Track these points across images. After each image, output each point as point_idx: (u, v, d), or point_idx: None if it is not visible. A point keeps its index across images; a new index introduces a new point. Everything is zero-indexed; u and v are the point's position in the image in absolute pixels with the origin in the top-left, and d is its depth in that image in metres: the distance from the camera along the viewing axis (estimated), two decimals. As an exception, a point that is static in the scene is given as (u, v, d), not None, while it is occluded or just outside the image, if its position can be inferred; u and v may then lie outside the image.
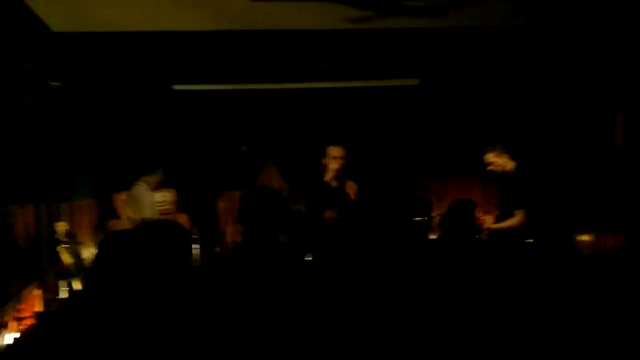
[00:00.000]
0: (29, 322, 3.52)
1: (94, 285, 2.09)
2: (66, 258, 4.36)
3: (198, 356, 2.07)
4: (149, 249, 2.18)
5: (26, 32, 4.22)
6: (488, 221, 4.56)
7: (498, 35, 5.17)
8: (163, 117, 5.75)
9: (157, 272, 2.15)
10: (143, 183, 4.87)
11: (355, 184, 4.49)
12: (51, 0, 3.97)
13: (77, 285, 4.15)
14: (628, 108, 4.63)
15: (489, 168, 4.72)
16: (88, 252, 4.63)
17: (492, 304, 2.75)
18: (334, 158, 4.38)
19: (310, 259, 4.00)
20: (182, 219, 5.32)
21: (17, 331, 3.43)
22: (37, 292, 3.92)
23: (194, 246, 2.78)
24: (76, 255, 4.48)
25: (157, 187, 5.03)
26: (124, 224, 5.03)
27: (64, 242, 4.43)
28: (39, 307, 3.87)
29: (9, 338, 3.36)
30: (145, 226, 2.45)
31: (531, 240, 4.25)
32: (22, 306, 3.69)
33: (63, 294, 4.15)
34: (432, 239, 4.04)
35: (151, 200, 4.88)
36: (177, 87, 5.76)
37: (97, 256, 2.10)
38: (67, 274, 4.28)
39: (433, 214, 4.73)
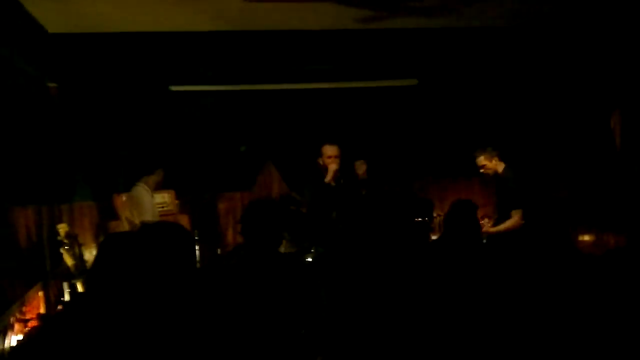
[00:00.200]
0: (33, 324, 3.53)
1: (96, 288, 2.08)
2: (68, 260, 4.35)
3: (201, 357, 2.09)
4: (152, 250, 2.19)
5: (22, 34, 4.20)
6: (486, 225, 4.57)
7: (496, 36, 5.20)
8: (161, 119, 5.74)
9: (160, 274, 2.16)
10: (143, 184, 4.85)
11: (364, 162, 4.47)
12: (47, 0, 3.95)
13: (80, 287, 4.15)
14: (626, 107, 4.67)
15: (481, 171, 4.74)
16: (90, 254, 4.62)
17: (493, 304, 2.78)
18: (329, 157, 4.36)
19: (310, 260, 4.02)
20: (182, 220, 5.34)
21: (21, 333, 3.43)
22: (40, 294, 3.91)
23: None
24: (78, 256, 4.48)
25: (157, 188, 5.02)
26: (124, 225, 5.03)
27: (66, 244, 4.42)
28: (42, 309, 3.87)
29: (14, 340, 3.36)
30: (147, 228, 2.46)
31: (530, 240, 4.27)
32: (26, 308, 3.69)
33: (67, 295, 4.15)
34: (434, 240, 4.05)
35: (151, 202, 4.87)
36: (174, 88, 5.75)
37: (97, 258, 2.11)
38: (70, 276, 4.27)
39: (434, 214, 4.75)
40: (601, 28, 4.73)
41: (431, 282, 2.86)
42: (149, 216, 4.63)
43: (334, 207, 4.28)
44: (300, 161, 5.47)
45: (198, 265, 4.49)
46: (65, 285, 4.20)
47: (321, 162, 4.44)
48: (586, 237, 4.93)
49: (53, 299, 4.10)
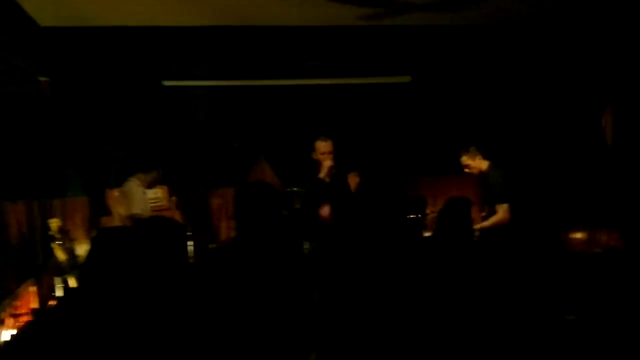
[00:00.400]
0: (25, 318, 3.51)
1: (89, 283, 2.08)
2: (60, 255, 4.34)
3: (195, 352, 2.09)
4: (145, 245, 2.19)
5: (13, 27, 4.17)
6: (475, 221, 4.61)
7: (488, 33, 5.23)
8: (153, 114, 5.72)
9: (153, 269, 2.16)
10: (135, 179, 4.82)
11: (357, 174, 4.45)
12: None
13: (72, 282, 4.14)
14: (617, 104, 4.70)
15: (465, 170, 4.78)
16: (81, 249, 4.61)
17: (485, 301, 2.79)
18: (322, 154, 4.33)
19: (307, 247, 4.00)
20: (175, 216, 5.33)
21: (14, 328, 3.42)
22: (32, 289, 3.90)
23: (188, 243, 2.79)
24: (70, 252, 4.46)
25: (152, 185, 5.01)
26: (116, 221, 5.00)
27: (58, 239, 4.40)
28: (35, 304, 3.86)
29: (6, 335, 3.36)
30: (140, 223, 2.45)
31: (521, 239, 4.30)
32: (19, 303, 3.68)
33: (59, 291, 4.14)
34: (426, 237, 4.06)
35: (143, 197, 4.84)
36: (167, 83, 5.73)
37: (90, 253, 2.10)
38: (62, 271, 4.26)
39: (427, 211, 4.77)
40: (593, 26, 4.76)
41: (423, 279, 2.86)
42: (138, 210, 4.60)
43: (327, 204, 4.27)
44: (293, 157, 5.47)
45: (191, 260, 4.48)
46: (57, 280, 4.19)
47: (316, 158, 4.42)
48: (578, 235, 4.96)
49: (45, 294, 4.09)
